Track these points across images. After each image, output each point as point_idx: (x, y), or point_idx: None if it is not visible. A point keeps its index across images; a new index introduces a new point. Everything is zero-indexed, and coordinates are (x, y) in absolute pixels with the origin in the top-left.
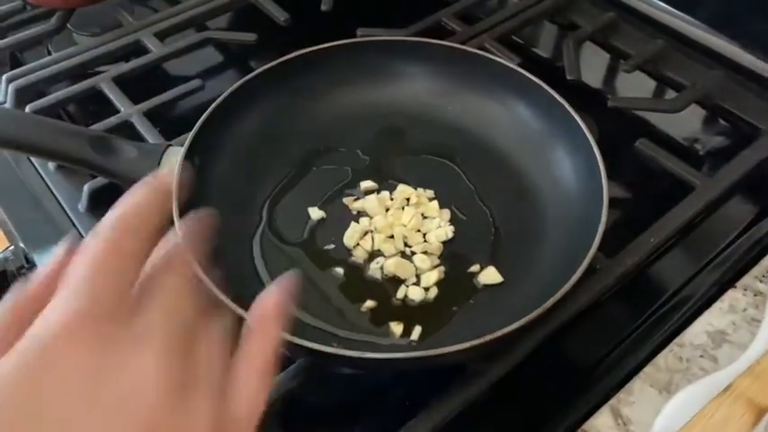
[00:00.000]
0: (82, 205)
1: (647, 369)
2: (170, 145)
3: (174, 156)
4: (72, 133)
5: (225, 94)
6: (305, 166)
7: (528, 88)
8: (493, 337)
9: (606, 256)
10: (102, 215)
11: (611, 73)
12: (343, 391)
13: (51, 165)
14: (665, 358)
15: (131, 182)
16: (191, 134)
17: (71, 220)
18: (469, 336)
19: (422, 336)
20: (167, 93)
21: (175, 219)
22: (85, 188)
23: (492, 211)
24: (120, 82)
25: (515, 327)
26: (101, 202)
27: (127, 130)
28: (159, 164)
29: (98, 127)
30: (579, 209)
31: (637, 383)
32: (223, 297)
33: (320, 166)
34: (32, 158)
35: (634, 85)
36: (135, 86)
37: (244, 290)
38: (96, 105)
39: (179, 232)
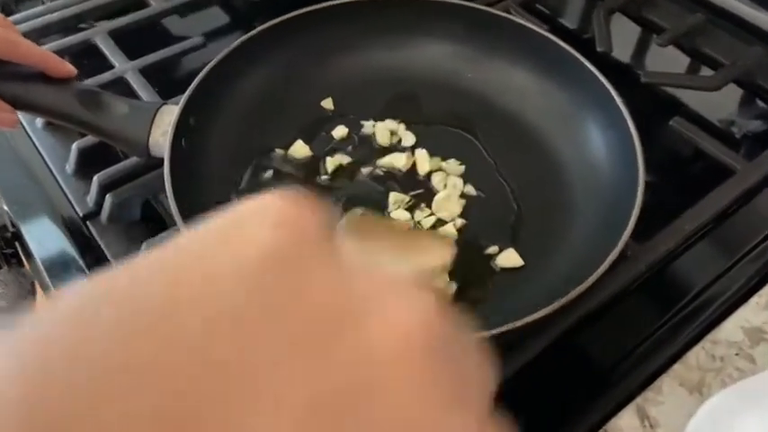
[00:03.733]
0: (69, 166)
1: (677, 367)
2: (165, 103)
3: (169, 115)
4: (58, 86)
5: (226, 51)
6: (310, 133)
7: (560, 58)
8: (510, 328)
9: (636, 242)
10: (91, 177)
11: (641, 47)
12: None
13: (39, 121)
14: (696, 356)
15: (121, 141)
16: (187, 92)
17: (57, 182)
18: (483, 324)
19: None
20: (166, 49)
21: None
22: (74, 147)
23: (513, 189)
24: (117, 36)
25: (536, 317)
26: (90, 163)
27: (121, 88)
28: (152, 123)
29: (90, 83)
30: (610, 189)
31: (665, 382)
32: None
33: (327, 132)
34: (18, 114)
35: (665, 62)
36: (132, 42)
37: None
38: (90, 60)
39: None
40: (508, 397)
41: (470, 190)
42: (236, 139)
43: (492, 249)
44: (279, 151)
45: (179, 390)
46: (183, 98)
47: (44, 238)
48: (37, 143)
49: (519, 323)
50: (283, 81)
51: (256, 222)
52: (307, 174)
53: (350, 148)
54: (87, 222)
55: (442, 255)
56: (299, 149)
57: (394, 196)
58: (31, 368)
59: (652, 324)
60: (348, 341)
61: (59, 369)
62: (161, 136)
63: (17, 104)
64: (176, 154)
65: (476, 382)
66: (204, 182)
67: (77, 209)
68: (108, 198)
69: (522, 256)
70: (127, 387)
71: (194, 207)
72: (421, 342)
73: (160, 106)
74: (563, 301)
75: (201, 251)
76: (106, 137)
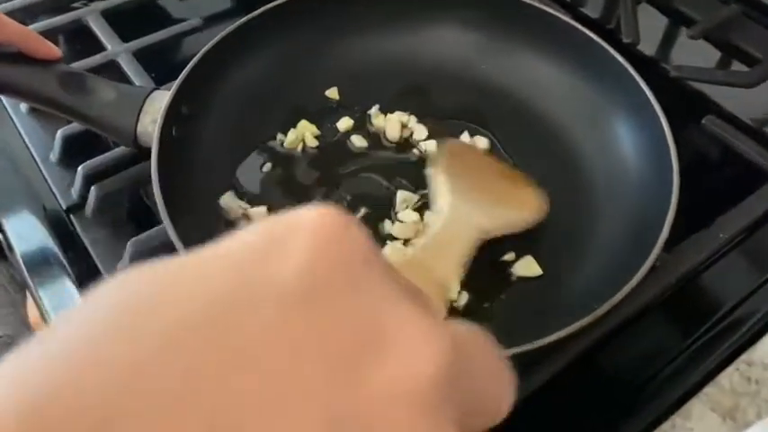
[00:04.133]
0: (54, 154)
1: (708, 390)
2: (156, 89)
3: (159, 102)
4: (40, 67)
5: (223, 34)
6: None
7: (586, 49)
8: (526, 349)
9: (665, 251)
10: (77, 167)
11: (669, 40)
12: None
13: (24, 106)
14: (729, 378)
15: (107, 128)
16: (180, 77)
17: (41, 172)
18: (501, 340)
19: None
20: (162, 32)
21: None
22: (58, 134)
23: None
24: (110, 17)
25: (555, 338)
26: (76, 152)
27: (113, 72)
28: (140, 110)
29: (79, 65)
30: (640, 194)
31: (696, 406)
32: None
33: (332, 125)
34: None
35: (693, 56)
36: (127, 24)
37: None
38: (81, 42)
39: None
40: (522, 421)
41: None
42: (231, 129)
43: (508, 256)
44: (278, 142)
45: (211, 410)
46: (176, 84)
47: (25, 231)
48: (21, 129)
49: (536, 344)
50: (285, 68)
51: (297, 242)
52: (309, 168)
53: (357, 141)
54: (71, 216)
55: (532, 212)
56: (304, 129)
57: (402, 195)
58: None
59: (681, 342)
60: (361, 378)
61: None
62: (150, 124)
63: None
64: (166, 144)
65: (490, 407)
66: (196, 175)
67: (61, 201)
68: (93, 190)
69: (540, 264)
70: (170, 405)
71: (184, 203)
72: (429, 388)
73: (150, 92)
74: (585, 321)
75: (239, 268)
76: (91, 124)
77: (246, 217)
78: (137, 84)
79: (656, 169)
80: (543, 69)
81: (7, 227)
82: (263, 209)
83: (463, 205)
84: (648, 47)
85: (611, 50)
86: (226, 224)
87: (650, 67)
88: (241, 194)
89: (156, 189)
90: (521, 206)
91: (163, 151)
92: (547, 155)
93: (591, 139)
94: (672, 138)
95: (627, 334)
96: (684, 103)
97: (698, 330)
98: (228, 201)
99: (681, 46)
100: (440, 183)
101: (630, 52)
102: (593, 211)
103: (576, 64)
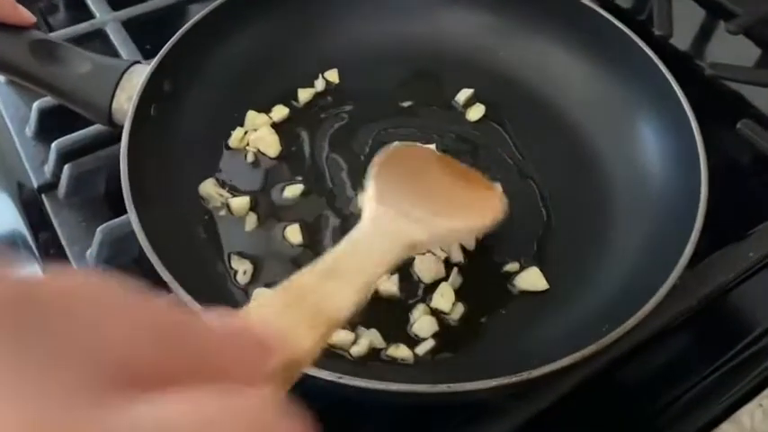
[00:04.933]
0: (30, 129)
1: (726, 426)
2: (137, 62)
3: (139, 77)
4: (10, 34)
5: (212, 6)
6: (304, 111)
7: (613, 41)
8: (530, 377)
9: (687, 268)
10: (51, 142)
11: (705, 34)
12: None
13: (2, 77)
14: (750, 415)
15: (79, 103)
16: (162, 51)
17: (15, 147)
18: (497, 361)
19: (434, 353)
20: (154, 1)
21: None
22: (34, 107)
23: (543, 193)
24: None
25: (557, 366)
26: (52, 127)
27: (99, 43)
28: (117, 85)
29: (60, 34)
30: (663, 203)
31: None
32: None
33: (325, 111)
34: None
35: (729, 53)
36: None
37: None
38: (67, 8)
39: None
40: None
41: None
42: (216, 111)
43: (511, 267)
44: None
45: None
46: (157, 57)
47: None
48: None
49: (535, 373)
50: (279, 46)
51: None
52: (295, 162)
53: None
54: (42, 195)
55: (485, 219)
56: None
57: None
58: None
59: (698, 371)
60: None
61: None
62: (126, 101)
63: None
64: (143, 123)
65: None
66: (174, 159)
67: (33, 179)
68: (66, 169)
69: (547, 277)
70: None
71: (158, 189)
72: None
73: (130, 66)
74: (593, 348)
75: None
76: (63, 97)
77: (227, 207)
78: (124, 55)
79: (682, 176)
80: (564, 60)
81: None
82: (245, 199)
83: (387, 218)
84: (682, 41)
85: (641, 43)
86: (205, 214)
87: (683, 64)
88: (222, 183)
89: (124, 172)
90: (470, 213)
91: (138, 131)
92: (562, 155)
93: (611, 138)
94: (702, 142)
95: (641, 358)
96: (718, 105)
97: (719, 358)
98: (209, 189)
99: (718, 41)
100: (367, 193)
101: (662, 46)
102: (610, 220)
103: (601, 56)
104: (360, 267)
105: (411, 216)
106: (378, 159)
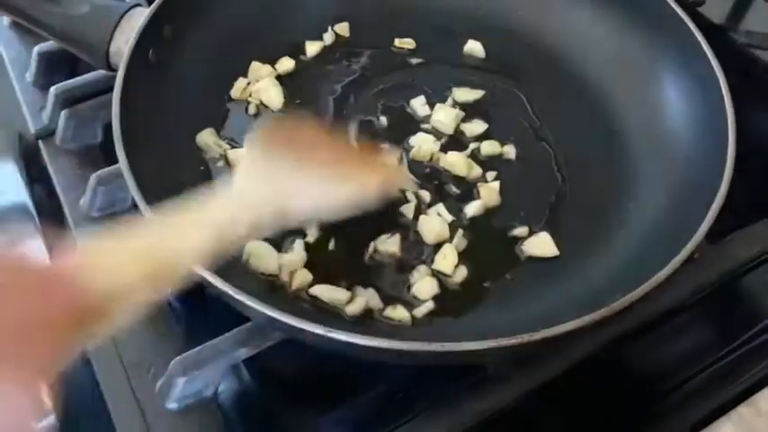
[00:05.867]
0: (30, 73)
1: (742, 410)
2: (138, 4)
3: (138, 19)
4: None
5: None
6: (311, 65)
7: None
8: (530, 340)
9: (707, 241)
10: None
11: (741, 5)
12: (318, 367)
13: (5, 19)
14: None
15: (76, 45)
16: None
17: (15, 91)
18: (499, 327)
19: (433, 316)
20: None
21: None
22: (35, 51)
23: (558, 156)
24: None
25: (561, 330)
26: (53, 72)
27: None
28: (116, 26)
29: None
30: (684, 168)
31: (726, 427)
32: None
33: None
34: None
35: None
36: None
37: None
38: None
39: None
40: (525, 419)
41: (502, 150)
42: (219, 60)
43: (520, 231)
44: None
45: None
46: (158, 0)
47: None
48: None
49: (537, 336)
50: None
51: None
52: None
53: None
54: (40, 142)
55: (372, 187)
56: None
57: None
58: None
59: (715, 350)
60: None
61: None
62: (125, 44)
63: None
64: (140, 67)
65: None
66: (172, 107)
67: (31, 124)
68: (63, 115)
69: (557, 243)
70: None
71: (154, 136)
72: None
73: (130, 8)
74: (602, 313)
75: None
76: (59, 38)
77: (225, 158)
78: None
79: (707, 142)
80: (587, 16)
81: None
82: (244, 151)
83: (254, 189)
84: (715, 12)
85: (672, 3)
86: (201, 165)
87: (716, 34)
88: (221, 134)
89: (116, 117)
90: (351, 186)
91: (134, 75)
92: (581, 116)
93: (633, 100)
94: (731, 105)
95: (653, 334)
96: (753, 78)
97: (739, 338)
98: (207, 139)
99: (755, 10)
100: (240, 166)
101: (694, 14)
102: (627, 187)
103: (624, 11)
104: (213, 222)
105: (285, 185)
106: (257, 128)
